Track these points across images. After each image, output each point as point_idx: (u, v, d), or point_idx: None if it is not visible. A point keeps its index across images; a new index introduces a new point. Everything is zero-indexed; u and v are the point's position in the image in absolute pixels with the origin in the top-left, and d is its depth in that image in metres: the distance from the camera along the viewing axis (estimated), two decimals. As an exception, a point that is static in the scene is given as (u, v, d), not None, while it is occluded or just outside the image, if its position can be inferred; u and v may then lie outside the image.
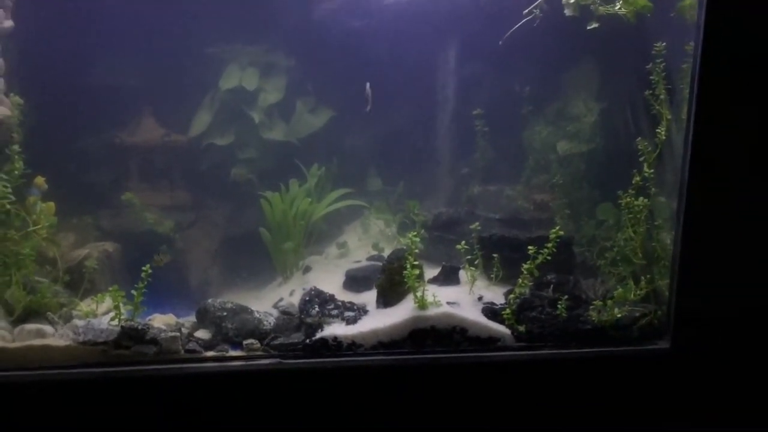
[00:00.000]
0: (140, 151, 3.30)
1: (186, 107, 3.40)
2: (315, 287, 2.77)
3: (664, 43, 2.60)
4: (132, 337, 2.39)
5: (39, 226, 2.61)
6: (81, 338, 2.38)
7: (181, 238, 3.29)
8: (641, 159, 2.65)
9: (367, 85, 3.10)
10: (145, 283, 2.45)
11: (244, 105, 3.40)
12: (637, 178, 2.63)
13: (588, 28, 2.83)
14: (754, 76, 2.28)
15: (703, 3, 2.23)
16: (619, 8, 2.73)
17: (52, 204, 2.71)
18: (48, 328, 2.45)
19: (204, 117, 3.39)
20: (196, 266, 3.32)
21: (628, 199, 2.65)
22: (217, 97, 3.41)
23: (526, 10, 2.95)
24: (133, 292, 2.46)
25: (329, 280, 2.98)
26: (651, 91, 2.65)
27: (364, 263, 3.11)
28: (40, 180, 2.74)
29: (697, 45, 2.26)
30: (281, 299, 2.84)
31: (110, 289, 2.46)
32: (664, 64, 2.61)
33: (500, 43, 3.03)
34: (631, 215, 2.66)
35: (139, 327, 2.40)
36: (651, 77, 2.63)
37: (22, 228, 2.60)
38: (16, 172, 2.61)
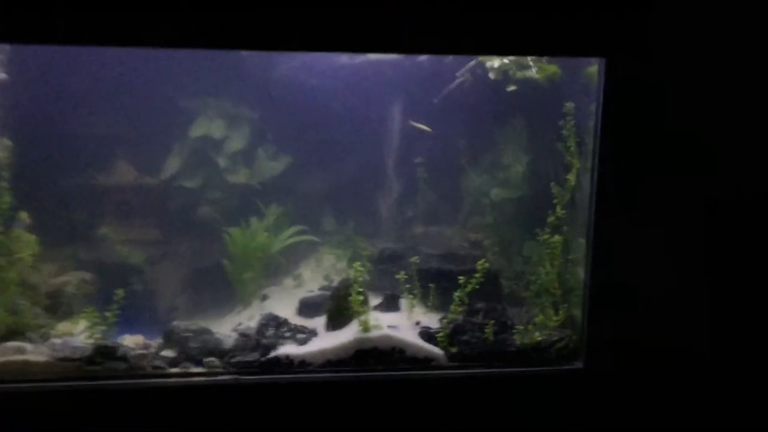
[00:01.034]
0: (116, 192, 3.37)
1: (158, 153, 3.48)
2: (271, 312, 2.88)
3: (573, 104, 2.75)
4: (104, 354, 2.50)
5: (24, 254, 2.70)
6: (58, 354, 2.49)
7: (151, 269, 3.35)
8: (555, 202, 2.80)
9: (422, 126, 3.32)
10: (118, 305, 2.59)
11: (211, 151, 3.52)
12: (552, 218, 2.80)
13: (507, 89, 3.03)
14: (645, 130, 2.47)
15: (602, 71, 2.44)
16: (535, 73, 2.96)
17: (34, 237, 2.83)
18: (28, 346, 2.54)
19: (174, 162, 3.48)
20: (164, 294, 3.37)
21: (546, 236, 2.81)
22: (186, 145, 3.50)
23: (458, 72, 3.14)
24: (107, 313, 2.59)
25: (285, 307, 3.09)
26: (563, 144, 2.81)
27: (317, 292, 3.22)
28: (23, 215, 2.85)
29: (598, 105, 2.45)
30: (240, 323, 2.89)
31: (85, 310, 2.60)
32: (573, 121, 2.75)
33: (435, 101, 3.23)
34: (548, 251, 2.81)
35: (111, 345, 2.52)
36: (563, 132, 2.79)
37: (7, 256, 2.70)
38: (5, 206, 2.72)
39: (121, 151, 3.43)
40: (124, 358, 2.53)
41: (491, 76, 3.10)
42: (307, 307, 3.07)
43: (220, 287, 3.35)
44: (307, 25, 2.29)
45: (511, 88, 3.07)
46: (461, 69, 3.22)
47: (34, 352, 2.54)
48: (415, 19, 2.31)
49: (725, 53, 2.50)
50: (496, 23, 2.35)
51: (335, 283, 3.21)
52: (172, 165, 3.50)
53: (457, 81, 3.21)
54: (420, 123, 3.30)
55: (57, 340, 2.58)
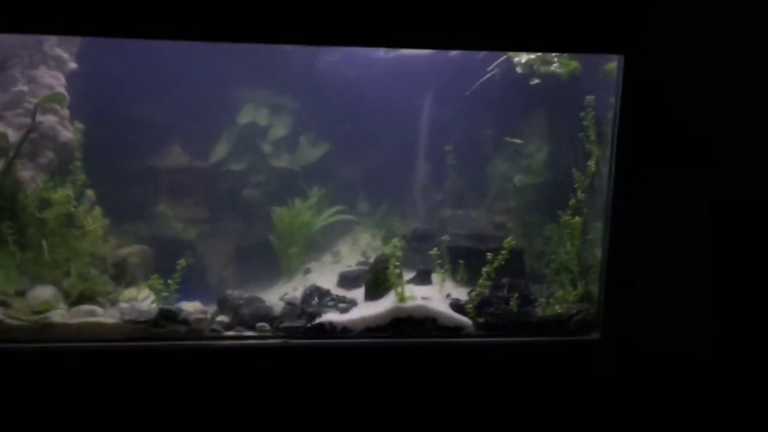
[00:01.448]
0: (170, 174, 3.57)
1: (209, 139, 3.67)
2: (315, 284, 3.04)
3: (594, 96, 2.88)
4: (167, 317, 2.68)
5: (96, 226, 2.90)
6: (126, 317, 2.68)
7: (203, 244, 3.54)
8: (575, 186, 2.93)
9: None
10: (180, 274, 2.78)
11: (257, 138, 3.69)
12: (573, 201, 2.93)
13: (531, 83, 3.17)
14: (660, 122, 2.58)
15: (621, 66, 2.55)
16: (556, 68, 3.12)
17: (99, 211, 3.03)
18: (99, 309, 2.74)
19: (223, 147, 3.67)
20: (214, 267, 3.57)
21: (566, 218, 2.94)
22: (234, 131, 3.69)
23: (489, 68, 3.28)
24: (169, 281, 2.79)
25: (326, 280, 3.25)
26: (584, 133, 2.93)
27: (354, 267, 3.40)
28: (89, 192, 3.05)
29: (617, 97, 2.58)
30: (286, 293, 3.04)
31: (151, 278, 2.80)
32: (593, 112, 2.87)
33: (467, 93, 3.37)
34: (568, 231, 2.94)
35: (173, 310, 2.70)
36: (583, 122, 2.92)
37: (80, 228, 2.89)
38: (79, 183, 2.93)
39: (175, 137, 3.61)
40: (185, 322, 2.70)
41: (519, 70, 3.25)
42: (346, 280, 3.24)
43: (266, 261, 3.51)
44: (310, 18, 2.40)
45: (535, 81, 3.22)
46: (490, 64, 3.35)
47: (104, 315, 2.73)
48: (448, 17, 2.46)
49: (741, 52, 2.61)
50: (521, 22, 2.50)
51: (370, 259, 3.34)
52: (220, 150, 3.68)
53: (488, 75, 3.35)
54: (513, 139, 3.44)
55: (124, 305, 2.77)
